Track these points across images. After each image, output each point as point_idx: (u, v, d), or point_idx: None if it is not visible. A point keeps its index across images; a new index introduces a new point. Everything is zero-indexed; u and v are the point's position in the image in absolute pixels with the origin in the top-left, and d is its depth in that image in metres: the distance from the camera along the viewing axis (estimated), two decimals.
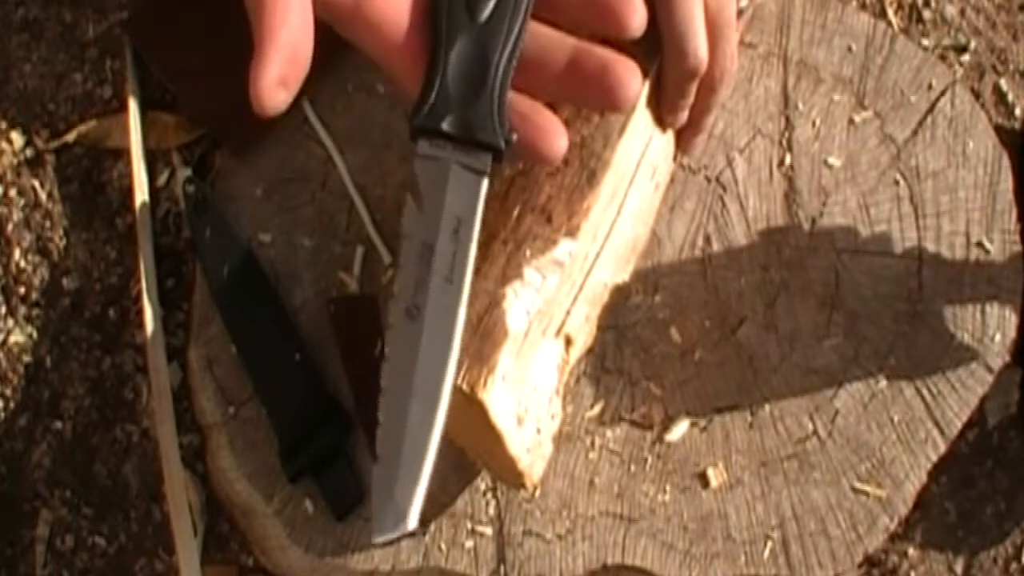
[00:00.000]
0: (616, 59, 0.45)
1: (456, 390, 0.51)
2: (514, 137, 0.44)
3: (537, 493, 0.64)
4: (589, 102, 0.46)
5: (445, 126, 0.43)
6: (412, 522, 0.42)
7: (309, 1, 0.42)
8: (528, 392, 0.54)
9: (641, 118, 0.56)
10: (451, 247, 0.43)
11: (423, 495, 0.42)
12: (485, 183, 0.44)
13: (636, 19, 0.45)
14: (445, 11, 0.44)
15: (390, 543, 0.44)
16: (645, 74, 0.55)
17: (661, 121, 0.57)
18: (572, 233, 0.54)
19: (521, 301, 0.53)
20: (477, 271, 0.50)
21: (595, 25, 0.46)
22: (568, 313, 0.55)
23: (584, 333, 0.58)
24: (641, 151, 0.57)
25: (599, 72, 0.44)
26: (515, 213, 0.55)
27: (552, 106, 0.48)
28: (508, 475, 0.56)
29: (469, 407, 0.52)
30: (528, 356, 0.54)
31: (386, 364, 0.43)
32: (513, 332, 0.53)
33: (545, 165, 0.48)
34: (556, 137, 0.45)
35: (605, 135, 0.55)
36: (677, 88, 0.55)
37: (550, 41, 0.46)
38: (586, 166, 0.55)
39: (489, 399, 0.51)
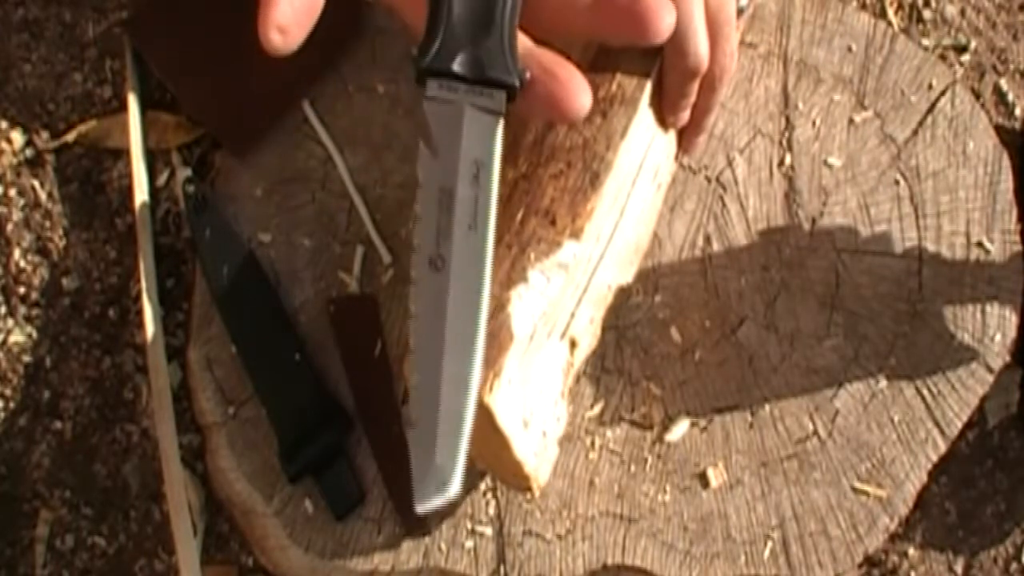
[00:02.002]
0: None
1: None
2: (527, 75, 0.42)
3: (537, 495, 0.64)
4: (621, 35, 0.44)
5: (455, 66, 0.41)
6: (455, 487, 0.40)
7: None
8: (533, 395, 0.54)
9: (643, 119, 0.56)
10: (472, 192, 0.41)
11: (464, 456, 0.40)
12: (501, 123, 0.42)
13: (664, 24, 0.44)
14: None
15: (432, 512, 0.42)
16: (646, 75, 0.55)
17: (663, 121, 0.57)
18: (576, 235, 0.54)
19: (526, 304, 0.53)
20: None
21: (620, 34, 0.44)
22: (573, 315, 0.55)
23: (589, 335, 0.58)
24: (643, 152, 0.57)
25: (630, 2, 0.43)
26: (519, 216, 0.55)
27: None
28: (514, 478, 0.56)
29: (476, 411, 0.52)
30: (533, 359, 0.54)
31: (413, 321, 0.40)
32: (518, 335, 0.53)
33: (567, 122, 0.45)
34: (580, 92, 0.42)
35: (607, 136, 0.55)
36: (678, 87, 0.55)
37: None
38: (589, 168, 0.55)
39: (495, 403, 0.51)
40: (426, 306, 0.41)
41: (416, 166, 0.41)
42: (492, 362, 0.52)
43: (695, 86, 0.55)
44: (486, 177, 0.42)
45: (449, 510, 0.65)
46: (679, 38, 0.52)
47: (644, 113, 0.56)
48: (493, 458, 0.56)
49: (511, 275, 0.53)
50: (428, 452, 0.40)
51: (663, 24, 0.43)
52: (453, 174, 0.41)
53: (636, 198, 0.57)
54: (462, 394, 0.40)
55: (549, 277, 0.53)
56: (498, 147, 0.42)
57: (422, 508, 0.40)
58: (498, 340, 0.52)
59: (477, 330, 0.41)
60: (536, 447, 0.55)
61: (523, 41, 0.43)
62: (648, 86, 0.55)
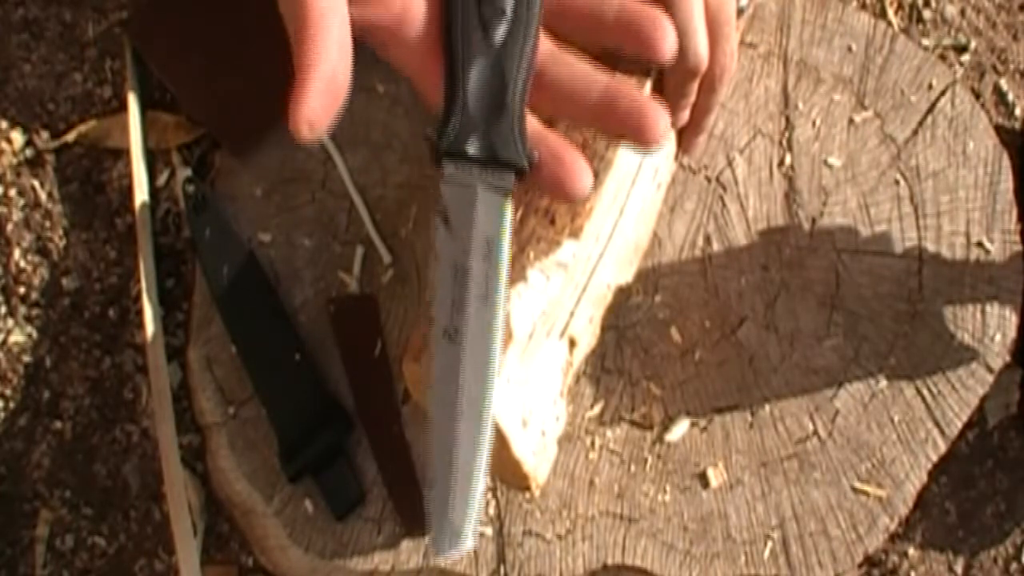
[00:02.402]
0: (646, 101, 0.45)
1: None
2: (536, 155, 0.45)
3: (538, 495, 0.64)
4: (620, 137, 0.47)
5: (470, 149, 0.44)
6: (469, 541, 0.43)
7: (348, 31, 0.43)
8: (532, 394, 0.54)
9: None
10: (484, 267, 0.44)
11: (477, 513, 0.43)
12: (510, 202, 0.45)
13: (667, 44, 0.46)
14: (460, 36, 0.45)
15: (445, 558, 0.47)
16: (646, 74, 0.55)
17: None
18: (575, 234, 0.54)
19: (525, 303, 0.53)
20: None
21: (627, 48, 0.47)
22: (572, 315, 0.55)
23: (588, 334, 0.58)
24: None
25: (631, 112, 0.45)
26: (518, 215, 0.54)
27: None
28: (513, 478, 0.56)
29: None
30: (532, 358, 0.54)
31: (431, 389, 0.43)
32: (518, 334, 0.53)
33: (569, 202, 0.48)
34: (583, 176, 0.45)
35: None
36: (678, 87, 0.55)
37: (584, 74, 0.46)
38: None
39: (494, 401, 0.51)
40: (442, 374, 0.44)
41: (434, 240, 0.44)
42: None
43: (695, 86, 0.55)
44: (496, 253, 0.44)
45: None
46: (679, 38, 0.52)
47: None
48: (493, 457, 0.56)
49: (511, 274, 0.53)
50: (444, 510, 0.43)
51: (660, 133, 0.45)
52: (467, 251, 0.44)
53: (636, 197, 0.57)
54: (474, 456, 0.43)
55: (548, 276, 0.53)
56: (507, 224, 0.45)
57: (439, 559, 0.44)
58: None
59: (488, 396, 0.44)
60: (535, 446, 0.55)
61: (532, 123, 0.46)
62: (648, 85, 0.55)
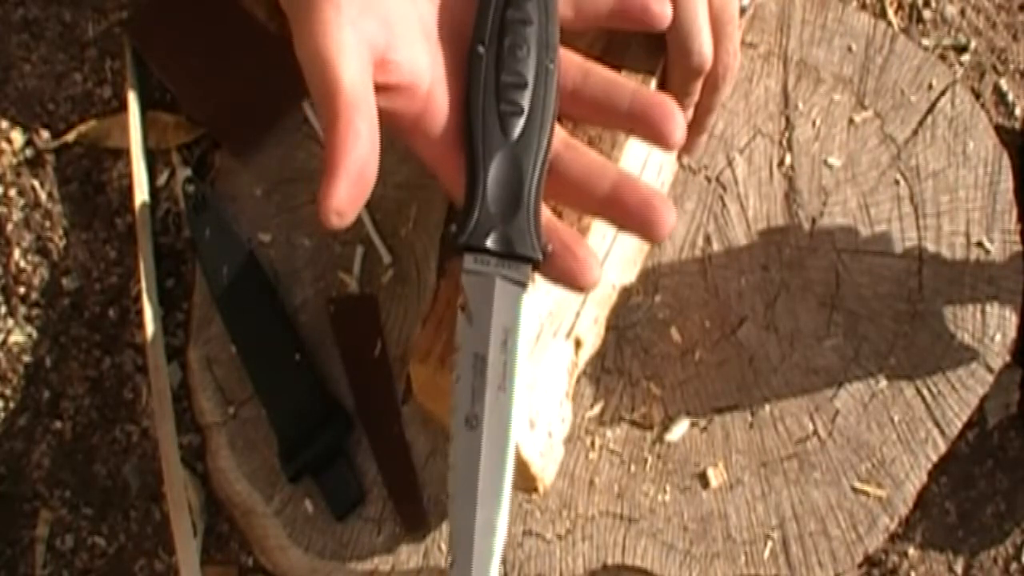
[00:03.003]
0: (655, 195, 0.47)
1: None
2: (549, 248, 0.47)
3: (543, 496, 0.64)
4: (626, 230, 0.48)
5: (489, 243, 0.46)
6: None
7: (376, 123, 0.44)
8: (539, 396, 0.54)
9: None
10: (501, 357, 0.46)
11: None
12: (526, 294, 0.47)
13: (677, 134, 0.48)
14: (481, 133, 0.46)
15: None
16: (650, 73, 0.55)
17: None
18: (582, 233, 0.54)
19: (533, 303, 0.53)
20: None
21: (639, 134, 0.49)
22: (578, 315, 0.55)
23: (593, 335, 0.58)
24: (647, 151, 0.57)
25: (639, 207, 0.47)
26: None
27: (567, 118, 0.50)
28: (520, 480, 0.56)
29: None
30: (539, 359, 0.54)
31: (451, 472, 0.45)
32: (526, 335, 0.53)
33: (579, 293, 0.50)
34: (594, 268, 0.47)
35: (612, 135, 0.55)
36: (681, 86, 0.55)
37: (596, 166, 0.48)
38: None
39: None
40: (462, 460, 0.45)
41: (456, 332, 0.47)
42: None
43: (698, 85, 0.55)
44: (512, 343, 0.46)
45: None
46: (683, 37, 0.53)
47: None
48: None
49: None
50: (464, 570, 0.44)
51: (667, 227, 0.47)
52: (485, 341, 0.46)
53: None
54: (491, 538, 0.45)
55: None
56: (523, 315, 0.46)
57: None
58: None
59: (505, 481, 0.46)
60: (542, 447, 0.55)
61: (544, 214, 0.48)
62: (652, 85, 0.55)
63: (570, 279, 0.47)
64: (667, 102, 0.48)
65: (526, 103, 0.46)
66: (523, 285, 0.46)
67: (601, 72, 0.49)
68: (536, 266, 0.46)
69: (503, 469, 0.46)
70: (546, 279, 0.48)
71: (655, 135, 0.48)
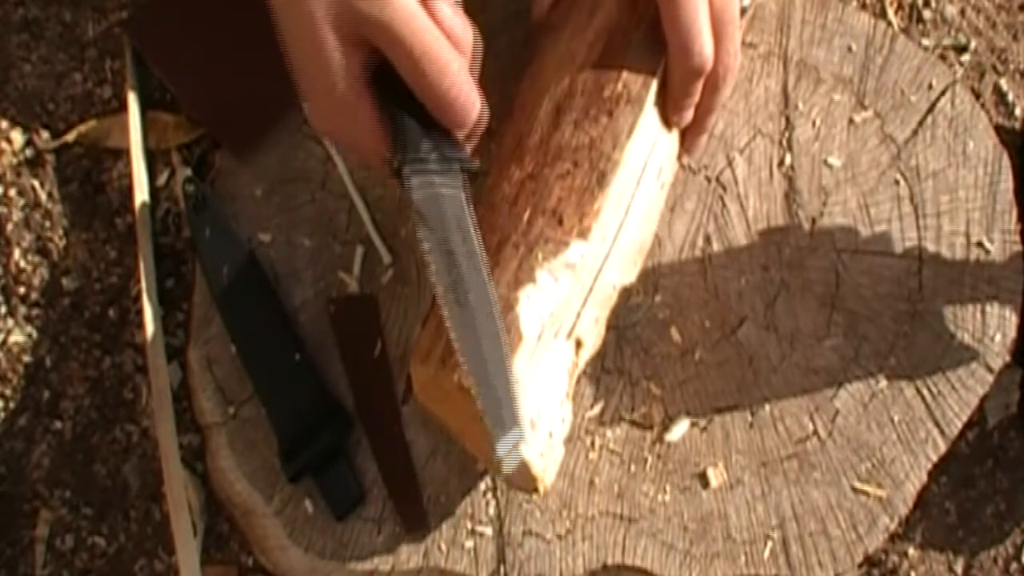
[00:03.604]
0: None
1: (470, 396, 0.51)
2: (476, 163, 0.54)
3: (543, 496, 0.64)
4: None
5: (430, 162, 0.52)
6: (519, 430, 0.51)
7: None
8: (540, 396, 0.54)
9: (648, 118, 0.56)
10: (464, 245, 0.52)
11: (521, 404, 0.51)
12: (465, 192, 0.53)
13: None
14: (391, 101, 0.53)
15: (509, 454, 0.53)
16: (651, 74, 0.55)
17: (667, 121, 0.57)
18: (583, 235, 0.54)
19: (534, 304, 0.53)
20: (489, 275, 0.53)
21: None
22: (578, 316, 0.56)
23: (594, 335, 0.58)
24: (648, 151, 0.57)
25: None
26: (526, 216, 0.55)
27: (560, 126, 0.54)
28: (521, 480, 0.56)
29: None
30: (540, 360, 0.54)
31: (458, 345, 0.51)
32: (527, 335, 0.53)
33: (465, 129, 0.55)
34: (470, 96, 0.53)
35: (614, 136, 0.55)
36: (682, 87, 0.55)
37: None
38: (596, 167, 0.55)
39: None
40: (462, 332, 0.52)
41: (419, 239, 0.53)
42: None
43: (699, 85, 0.55)
44: (469, 230, 0.53)
45: (449, 510, 0.65)
46: (683, 37, 0.53)
47: (649, 112, 0.56)
48: None
49: (519, 275, 0.53)
50: (496, 411, 0.51)
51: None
52: (447, 238, 0.52)
53: (640, 198, 0.57)
54: (506, 378, 0.52)
55: (557, 277, 0.54)
56: (468, 208, 0.53)
57: (502, 452, 0.51)
58: (507, 340, 0.52)
59: (502, 337, 0.52)
60: (543, 448, 0.55)
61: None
62: (654, 85, 0.55)
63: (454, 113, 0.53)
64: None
65: None
66: (461, 184, 0.53)
67: None
68: (470, 172, 0.53)
69: (497, 329, 0.52)
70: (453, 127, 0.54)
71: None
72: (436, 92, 0.52)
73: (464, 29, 0.53)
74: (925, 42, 0.73)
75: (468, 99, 0.52)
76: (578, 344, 0.56)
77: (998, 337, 0.66)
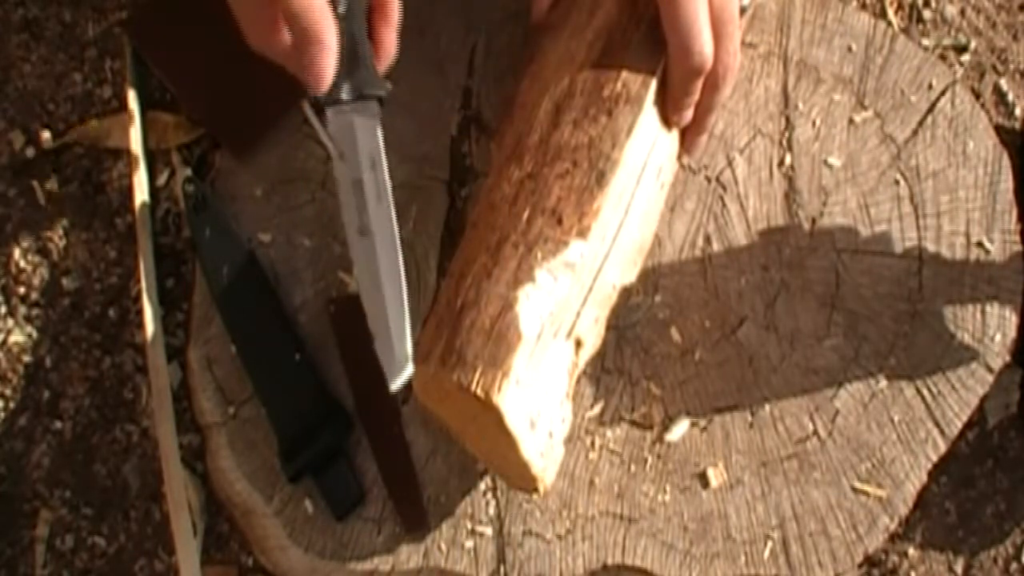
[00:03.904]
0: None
1: (471, 396, 0.51)
2: (389, 86, 0.58)
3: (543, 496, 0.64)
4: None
5: (343, 95, 0.57)
6: (408, 367, 0.57)
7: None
8: (540, 396, 0.54)
9: (648, 117, 0.56)
10: (374, 177, 0.58)
11: (410, 345, 0.57)
12: (379, 124, 0.58)
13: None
14: None
15: (401, 389, 0.58)
16: (651, 73, 0.55)
17: (666, 120, 0.57)
18: (583, 234, 0.54)
19: (533, 304, 0.53)
20: (488, 275, 0.54)
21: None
22: (578, 315, 0.55)
23: (594, 335, 0.58)
24: (648, 150, 0.57)
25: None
26: (525, 216, 0.55)
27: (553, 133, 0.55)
28: (521, 480, 0.56)
29: (484, 412, 0.52)
30: (540, 359, 0.54)
31: (358, 272, 0.58)
32: (526, 335, 0.53)
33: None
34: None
35: (613, 135, 0.55)
36: (682, 86, 0.55)
37: None
38: (595, 167, 0.55)
39: (504, 403, 0.51)
40: (363, 260, 0.58)
41: (333, 170, 0.59)
42: (501, 362, 0.52)
43: (699, 85, 0.55)
44: (380, 163, 0.58)
45: (449, 510, 0.65)
46: (683, 37, 0.53)
47: (649, 112, 0.56)
48: (500, 459, 0.56)
49: (518, 275, 0.53)
50: (390, 351, 0.57)
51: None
52: (358, 168, 0.58)
53: (640, 197, 0.57)
54: (399, 306, 0.58)
55: (556, 276, 0.54)
56: (381, 141, 0.58)
57: (394, 387, 0.57)
58: (506, 340, 0.52)
59: (399, 267, 0.58)
60: (543, 447, 0.55)
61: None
62: (653, 84, 0.55)
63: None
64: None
65: None
66: (376, 116, 0.58)
67: None
68: (382, 102, 0.58)
69: (395, 259, 0.57)
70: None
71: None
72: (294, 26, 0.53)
73: None
74: (925, 42, 0.73)
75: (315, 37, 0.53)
76: (578, 344, 0.56)
77: (998, 337, 0.66)
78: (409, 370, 0.57)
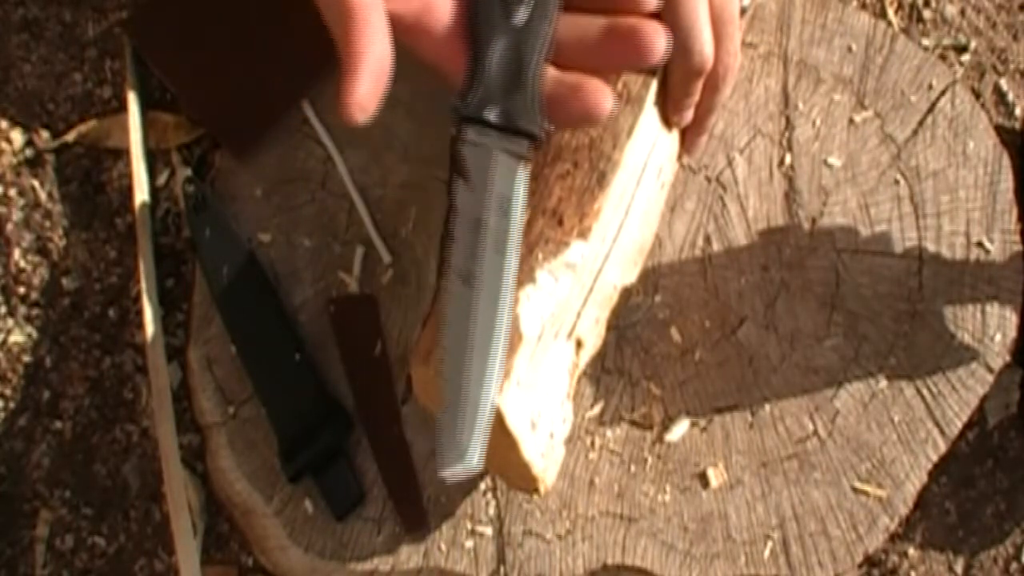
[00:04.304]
0: (642, 21, 0.49)
1: None
2: (549, 126, 0.49)
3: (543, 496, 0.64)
4: (625, 62, 0.51)
5: (490, 116, 0.49)
6: (473, 460, 0.48)
7: (386, 19, 0.46)
8: (541, 396, 0.54)
9: (649, 118, 0.56)
10: (500, 222, 0.49)
11: (483, 438, 0.48)
12: (525, 166, 0.50)
13: (659, 46, 0.50)
14: (484, 17, 0.49)
15: (454, 483, 0.53)
16: (651, 74, 0.55)
17: (667, 120, 0.57)
18: (583, 235, 0.54)
19: (534, 305, 0.53)
20: None
21: (626, 62, 0.51)
22: (579, 316, 0.56)
23: (594, 336, 0.58)
24: (648, 151, 0.57)
25: (630, 33, 0.49)
26: (526, 216, 0.55)
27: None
28: (521, 480, 0.56)
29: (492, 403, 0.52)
30: (541, 360, 0.54)
31: (445, 326, 0.48)
32: (527, 336, 0.53)
33: (600, 124, 0.52)
34: (606, 97, 0.49)
35: (614, 136, 0.55)
36: (682, 86, 0.55)
37: (585, 22, 0.51)
38: (596, 167, 0.55)
39: (504, 404, 0.51)
40: (456, 314, 0.48)
41: (452, 197, 0.49)
42: None
43: (699, 85, 0.55)
44: (511, 210, 0.49)
45: (449, 510, 0.65)
46: (683, 37, 0.53)
47: (650, 112, 0.56)
48: (501, 460, 0.56)
49: (519, 275, 0.53)
50: (452, 432, 0.47)
51: (660, 44, 0.50)
52: (483, 206, 0.49)
53: (641, 198, 0.57)
54: (482, 387, 0.48)
55: (557, 277, 0.54)
56: (522, 186, 0.49)
57: (444, 473, 0.47)
58: (507, 341, 0.52)
59: (498, 336, 0.48)
60: (543, 448, 0.55)
61: (550, 71, 0.50)
62: (653, 85, 0.55)
63: (586, 113, 0.49)
64: (643, 21, 0.50)
65: None
66: (522, 158, 0.49)
67: (568, 16, 0.51)
68: (536, 143, 0.49)
69: (497, 324, 0.48)
70: (567, 125, 0.50)
71: (638, 50, 0.49)
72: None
73: None
74: (925, 42, 0.73)
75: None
76: (578, 344, 0.56)
77: (998, 337, 0.66)
78: (470, 463, 0.48)
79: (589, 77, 0.50)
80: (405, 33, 0.49)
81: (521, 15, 0.49)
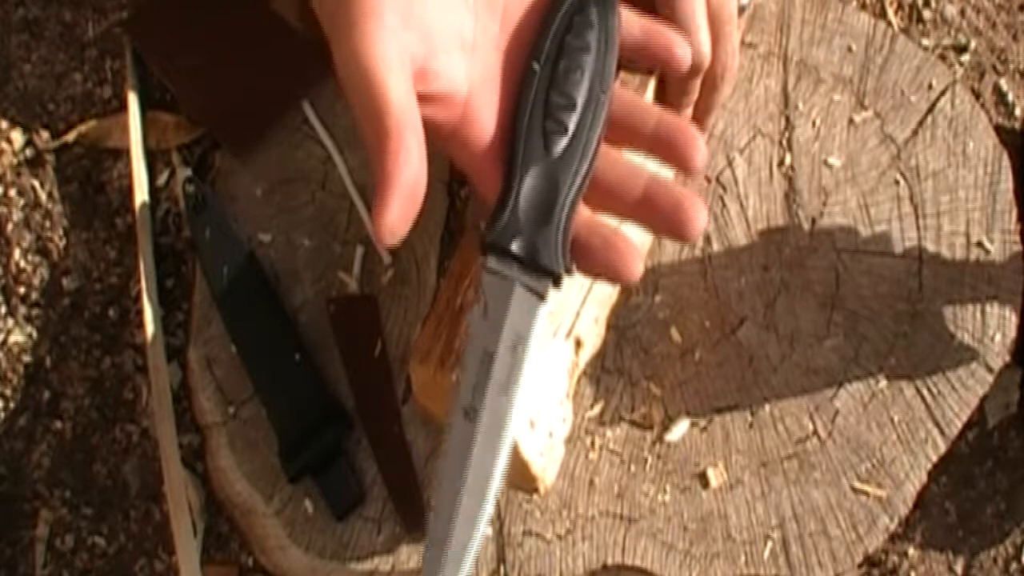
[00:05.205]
0: (686, 196, 0.48)
1: None
2: (574, 267, 0.47)
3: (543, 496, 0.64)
4: (659, 231, 0.49)
5: (514, 247, 0.47)
6: None
7: (423, 137, 0.45)
8: (540, 396, 0.54)
9: None
10: (509, 359, 0.47)
11: (470, 563, 0.46)
12: (544, 307, 0.47)
13: (698, 157, 0.49)
14: (523, 143, 0.47)
15: None
16: (649, 73, 0.55)
17: None
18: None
19: (547, 320, 0.53)
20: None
21: (660, 156, 0.50)
22: (578, 315, 0.55)
23: (593, 335, 0.58)
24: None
25: (671, 208, 0.48)
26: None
27: None
28: (521, 480, 0.56)
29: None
30: (540, 359, 0.53)
31: (443, 458, 0.47)
32: None
33: (624, 285, 0.51)
34: (636, 261, 0.48)
35: None
36: (680, 85, 0.55)
37: (629, 172, 0.49)
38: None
39: None
40: (455, 447, 0.47)
41: (468, 321, 0.48)
42: None
43: (696, 84, 0.55)
44: (523, 350, 0.47)
45: None
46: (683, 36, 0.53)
47: None
48: None
49: None
50: (437, 568, 0.46)
51: (698, 227, 0.48)
52: (497, 340, 0.47)
53: None
54: (472, 527, 0.46)
55: None
56: (538, 325, 0.47)
57: None
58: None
59: (494, 476, 0.47)
60: (542, 447, 0.55)
61: (587, 216, 0.49)
62: (651, 84, 0.55)
63: (613, 273, 0.48)
64: (691, 128, 0.49)
65: (572, 124, 0.47)
66: (541, 296, 0.47)
67: (624, 94, 0.50)
68: (557, 283, 0.47)
69: (494, 465, 0.47)
70: (589, 276, 0.49)
71: (678, 159, 0.49)
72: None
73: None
74: (925, 42, 0.73)
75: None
76: (578, 344, 0.56)
77: (998, 337, 0.66)
78: None
79: (625, 236, 0.48)
80: (443, 142, 0.48)
81: (560, 146, 0.47)
